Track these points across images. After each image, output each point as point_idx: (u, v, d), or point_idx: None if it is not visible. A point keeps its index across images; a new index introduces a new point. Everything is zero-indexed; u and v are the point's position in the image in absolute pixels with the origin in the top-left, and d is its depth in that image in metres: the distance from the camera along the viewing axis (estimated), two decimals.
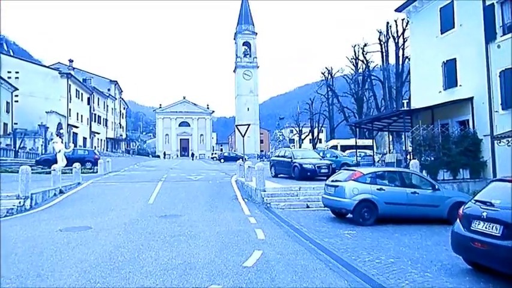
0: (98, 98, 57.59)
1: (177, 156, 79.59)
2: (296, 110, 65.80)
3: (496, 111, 14.83)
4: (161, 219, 10.44)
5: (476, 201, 5.92)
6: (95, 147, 52.46)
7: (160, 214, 11.23)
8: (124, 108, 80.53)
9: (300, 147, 63.42)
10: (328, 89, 52.53)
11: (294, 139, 79.52)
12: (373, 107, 45.80)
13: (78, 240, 8.01)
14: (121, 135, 72.96)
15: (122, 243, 7.81)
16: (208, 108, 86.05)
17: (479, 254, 5.53)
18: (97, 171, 24.26)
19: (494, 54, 14.96)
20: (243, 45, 79.52)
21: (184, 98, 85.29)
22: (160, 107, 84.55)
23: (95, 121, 55.08)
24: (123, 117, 78.22)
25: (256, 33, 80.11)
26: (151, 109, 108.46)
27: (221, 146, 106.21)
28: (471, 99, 16.01)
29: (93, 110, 54.48)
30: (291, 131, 78.85)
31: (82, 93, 49.57)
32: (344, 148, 33.64)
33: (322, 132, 70.23)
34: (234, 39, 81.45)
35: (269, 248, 7.45)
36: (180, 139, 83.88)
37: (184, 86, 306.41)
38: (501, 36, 14.72)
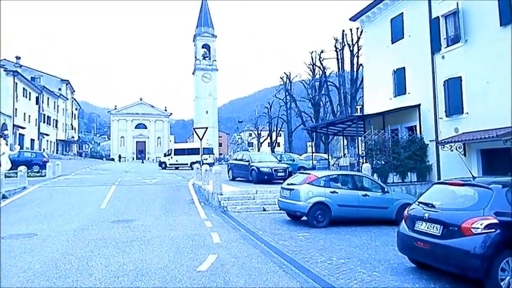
0: (48, 98, 54.71)
1: (133, 159, 77.26)
2: (255, 114, 66.17)
3: (441, 118, 15.77)
4: (113, 225, 10.11)
5: (420, 203, 6.27)
6: (44, 149, 49.69)
7: (113, 219, 10.87)
8: (76, 109, 77.07)
9: (258, 150, 63.84)
10: (287, 94, 53.27)
11: (252, 142, 79.87)
12: (330, 112, 47.00)
13: (21, 248, 7.57)
14: (73, 137, 69.69)
15: (70, 250, 7.48)
16: (166, 110, 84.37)
17: (422, 252, 5.85)
18: (45, 175, 23.02)
19: (439, 64, 15.92)
20: (203, 47, 78.85)
21: (141, 99, 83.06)
22: (115, 109, 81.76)
23: (44, 122, 52.24)
24: (75, 118, 74.82)
25: (216, 36, 79.80)
26: (105, 110, 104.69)
27: None
28: (418, 106, 16.92)
29: (42, 110, 51.66)
30: (250, 135, 79.20)
31: (30, 93, 46.86)
32: (181, 152, 36.47)
33: (280, 136, 71.09)
34: (193, 41, 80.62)
35: (224, 252, 7.45)
36: (137, 142, 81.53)
37: (141, 87, 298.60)
38: (445, 47, 15.69)
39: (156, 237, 8.71)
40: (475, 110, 14.11)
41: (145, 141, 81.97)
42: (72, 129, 70.72)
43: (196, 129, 20.50)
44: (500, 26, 13.10)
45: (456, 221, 5.35)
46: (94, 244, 7.98)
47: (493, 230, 5.07)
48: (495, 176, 8.21)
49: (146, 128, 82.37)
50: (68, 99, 65.49)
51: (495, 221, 5.10)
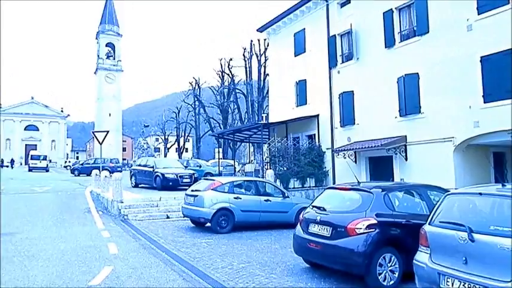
0: None
1: (21, 164, 69.06)
2: (162, 118, 64.33)
3: (336, 128, 17.15)
4: None
5: (313, 206, 6.72)
6: None
7: None
8: None
9: (165, 156, 62.11)
10: (195, 99, 52.91)
11: (159, 148, 77.47)
12: (238, 119, 47.88)
13: None
14: None
15: None
16: (62, 111, 77.34)
17: (314, 253, 6.28)
18: None
19: (336, 79, 17.34)
20: (106, 46, 74.27)
21: (32, 98, 74.91)
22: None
23: None
24: None
25: (121, 35, 75.93)
26: None
27: (77, 153, 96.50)
28: (317, 116, 18.18)
29: None
30: (157, 140, 76.62)
31: None
32: (36, 157, 43.90)
33: (188, 141, 70.14)
34: (96, 38, 75.52)
35: (121, 263, 7.07)
36: (26, 145, 73.10)
37: (33, 86, 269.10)
38: (341, 63, 17.15)
39: (42, 250, 7.90)
40: (364, 122, 15.65)
41: (36, 145, 74.00)
42: None
43: (95, 133, 19.15)
44: (385, 48, 14.80)
45: (343, 222, 5.85)
46: None
47: (373, 230, 5.67)
48: (377, 181, 9.20)
49: (38, 130, 74.50)
50: None
51: (375, 221, 5.71)
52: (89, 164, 33.49)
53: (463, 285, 4.14)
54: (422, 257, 4.75)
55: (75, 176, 31.67)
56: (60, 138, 76.89)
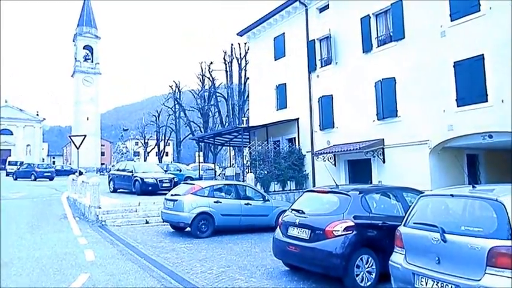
0: None
1: None
2: (142, 122, 63.52)
3: (316, 131, 17.32)
4: None
5: (292, 209, 6.78)
6: None
7: None
8: None
9: (145, 160, 61.33)
10: (176, 103, 52.54)
11: (139, 152, 76.42)
12: (218, 123, 47.75)
13: None
14: None
15: None
16: (38, 115, 75.35)
17: (293, 256, 6.33)
18: None
19: (315, 83, 17.54)
20: (84, 48, 72.94)
21: (6, 102, 72.74)
22: None
23: None
24: None
25: (100, 38, 74.74)
26: None
27: (54, 158, 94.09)
28: (297, 120, 18.32)
29: None
30: (136, 143, 75.61)
31: None
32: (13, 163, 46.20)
33: (169, 145, 69.46)
34: (73, 41, 74.14)
35: (98, 270, 6.94)
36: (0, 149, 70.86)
37: (7, 88, 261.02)
38: (320, 68, 17.36)
39: (16, 258, 7.68)
40: (343, 125, 15.87)
41: (10, 149, 71.86)
42: None
43: (72, 137, 18.68)
44: (363, 52, 15.08)
45: (321, 225, 5.92)
46: None
47: (351, 232, 5.75)
48: (356, 184, 9.34)
49: (12, 134, 72.36)
50: None
51: (352, 223, 5.80)
52: (24, 169, 36.65)
53: (436, 284, 4.26)
54: (397, 257, 4.85)
55: (14, 180, 33.87)
56: (36, 143, 74.86)
